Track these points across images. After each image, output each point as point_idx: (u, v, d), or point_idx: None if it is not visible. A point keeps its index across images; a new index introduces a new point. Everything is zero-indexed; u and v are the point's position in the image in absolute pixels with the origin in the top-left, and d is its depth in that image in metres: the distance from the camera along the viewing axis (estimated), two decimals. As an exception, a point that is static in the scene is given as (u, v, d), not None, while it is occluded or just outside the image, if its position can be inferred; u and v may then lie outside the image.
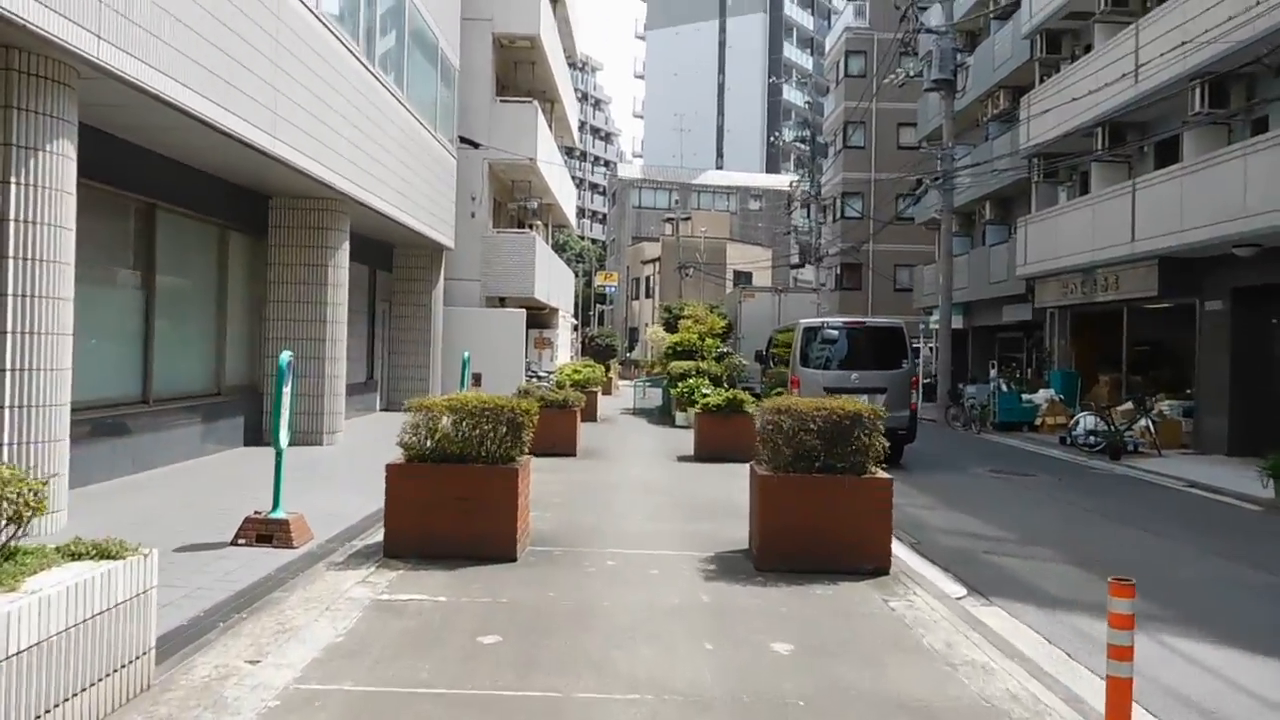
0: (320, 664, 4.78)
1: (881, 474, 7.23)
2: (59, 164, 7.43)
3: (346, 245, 14.53)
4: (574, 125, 35.52)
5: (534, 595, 6.14)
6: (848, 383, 14.96)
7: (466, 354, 14.90)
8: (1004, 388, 24.05)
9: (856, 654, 5.23)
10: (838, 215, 47.82)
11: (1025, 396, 23.89)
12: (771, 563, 7.02)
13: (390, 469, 7.00)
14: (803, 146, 59.50)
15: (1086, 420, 19.62)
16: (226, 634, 5.14)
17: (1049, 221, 24.63)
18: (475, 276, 23.38)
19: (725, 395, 14.49)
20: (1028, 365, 28.01)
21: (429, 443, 6.98)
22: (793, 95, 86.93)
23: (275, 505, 7.31)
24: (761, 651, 5.20)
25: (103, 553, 4.09)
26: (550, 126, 28.84)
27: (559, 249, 52.13)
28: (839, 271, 47.01)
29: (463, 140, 22.04)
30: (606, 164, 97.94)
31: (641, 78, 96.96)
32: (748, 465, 13.82)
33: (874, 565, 7.05)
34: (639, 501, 10.31)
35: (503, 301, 24.22)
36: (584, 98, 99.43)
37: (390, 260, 21.10)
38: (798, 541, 7.01)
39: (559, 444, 14.10)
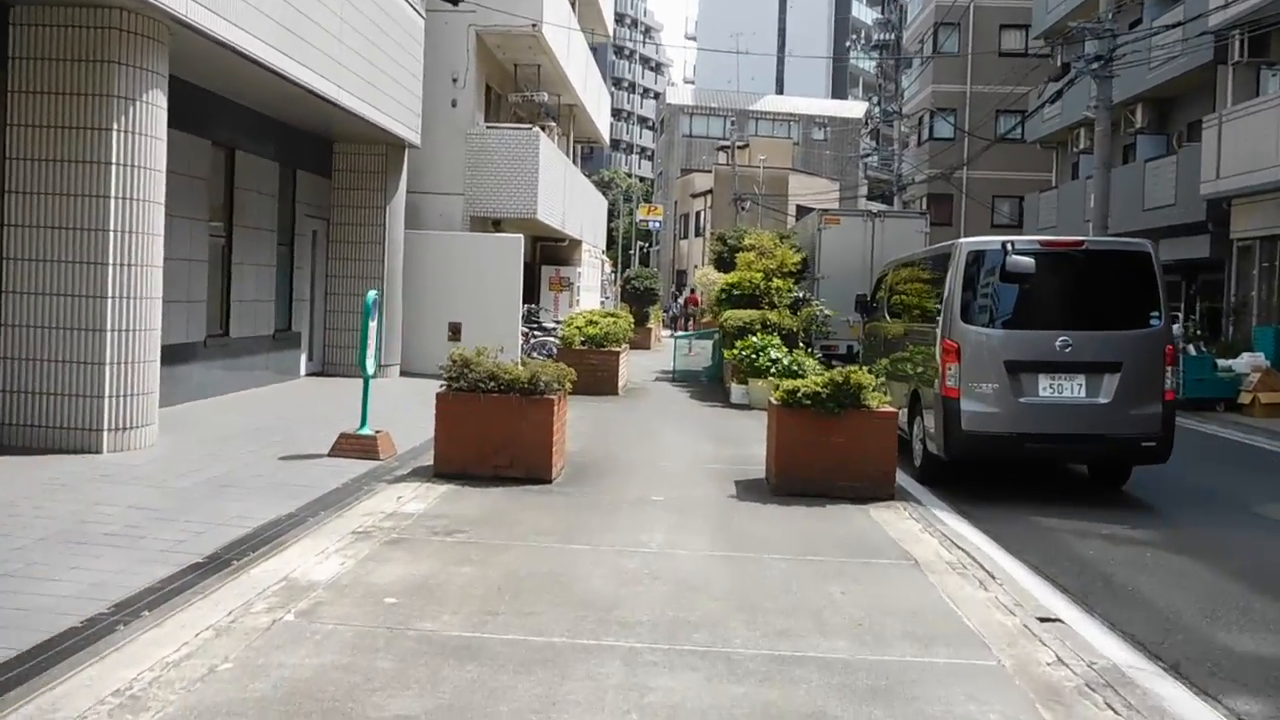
0: None
1: None
2: None
3: (162, 99, 8.13)
4: (607, 13, 28.54)
5: None
6: (1051, 353, 8.31)
7: (372, 294, 8.55)
8: (1194, 351, 17.31)
9: None
10: (925, 136, 40.32)
11: (1221, 363, 17.26)
12: None
13: None
14: (881, 53, 51.52)
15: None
16: None
17: (1262, 115, 17.90)
18: (456, 189, 16.91)
19: (826, 376, 7.97)
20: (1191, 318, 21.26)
21: None
22: (862, 12, 78.18)
23: None
24: None
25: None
26: (573, 5, 22.06)
27: (603, 186, 45.11)
28: (925, 204, 39.72)
29: (436, -7, 15.45)
30: (656, 96, 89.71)
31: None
32: (873, 515, 6.79)
33: None
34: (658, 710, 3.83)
35: (497, 225, 17.78)
36: (633, 23, 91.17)
37: (327, 161, 14.78)
38: None
39: (521, 459, 7.65)
